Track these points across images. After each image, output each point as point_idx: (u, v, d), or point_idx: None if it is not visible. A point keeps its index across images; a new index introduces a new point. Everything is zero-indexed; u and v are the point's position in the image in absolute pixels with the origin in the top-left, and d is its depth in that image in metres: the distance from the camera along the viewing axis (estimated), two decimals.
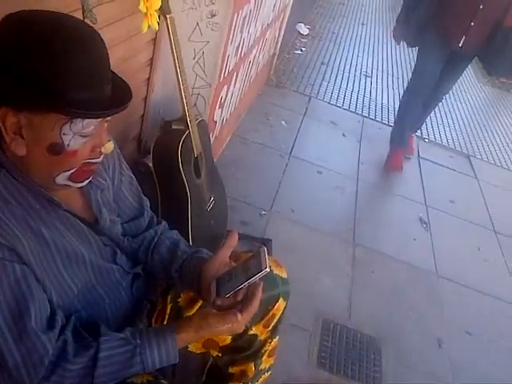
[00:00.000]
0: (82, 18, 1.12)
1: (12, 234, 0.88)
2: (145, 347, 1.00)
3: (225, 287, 1.05)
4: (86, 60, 0.87)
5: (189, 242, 1.94)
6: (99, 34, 0.91)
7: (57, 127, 0.88)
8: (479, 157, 4.63)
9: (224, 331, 1.04)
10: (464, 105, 5.85)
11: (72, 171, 0.95)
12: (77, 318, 1.03)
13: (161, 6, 1.66)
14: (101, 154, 0.98)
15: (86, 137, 0.92)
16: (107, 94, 0.92)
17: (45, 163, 0.92)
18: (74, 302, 1.04)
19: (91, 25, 1.00)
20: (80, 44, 0.86)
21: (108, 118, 0.95)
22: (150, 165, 1.96)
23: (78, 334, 0.99)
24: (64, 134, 0.89)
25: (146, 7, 1.53)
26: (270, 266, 1.03)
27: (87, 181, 1.01)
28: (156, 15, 1.58)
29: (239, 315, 1.02)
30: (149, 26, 1.60)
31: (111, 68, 0.94)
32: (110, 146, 0.99)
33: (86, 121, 0.89)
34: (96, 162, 0.99)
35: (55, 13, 0.90)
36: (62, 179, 0.95)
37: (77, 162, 0.94)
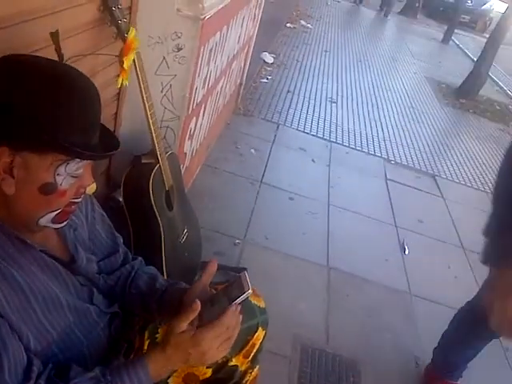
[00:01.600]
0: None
1: None
2: (116, 382, 0.98)
3: (208, 312, 1.04)
4: (87, 107, 0.94)
5: (163, 275, 1.93)
6: (93, 84, 0.97)
7: (52, 168, 0.92)
8: (444, 176, 4.75)
9: (186, 340, 1.00)
10: (427, 126, 6.02)
11: (58, 211, 0.97)
12: (54, 362, 1.01)
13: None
14: (83, 194, 1.02)
15: (75, 177, 0.96)
16: (96, 140, 0.99)
17: (32, 203, 0.94)
18: (52, 346, 1.02)
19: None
20: (82, 93, 0.93)
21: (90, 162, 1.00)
22: (121, 199, 1.95)
23: (51, 383, 0.96)
24: (58, 174, 0.93)
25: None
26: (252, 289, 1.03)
27: (66, 222, 1.03)
28: (128, 70, 1.63)
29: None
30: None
31: None
32: (93, 187, 1.02)
33: (81, 163, 0.95)
34: (77, 202, 1.02)
35: (53, 60, 0.97)
36: (45, 221, 0.97)
37: (64, 203, 0.97)
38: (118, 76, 1.62)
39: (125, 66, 1.57)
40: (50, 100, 0.88)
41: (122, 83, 1.64)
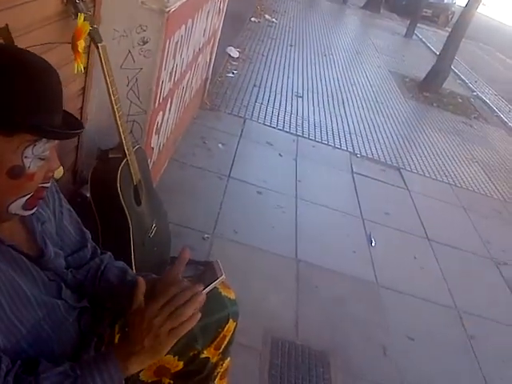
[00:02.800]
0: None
1: None
2: (85, 377, 0.97)
3: None
4: (47, 87, 0.94)
5: (132, 269, 1.91)
6: (52, 66, 0.97)
7: (19, 150, 0.91)
8: (409, 169, 4.85)
9: (138, 318, 1.00)
10: (391, 119, 6.12)
11: (28, 197, 0.96)
12: (23, 358, 0.99)
13: (91, 35, 1.66)
14: (51, 178, 1.01)
15: (43, 160, 0.95)
16: (60, 122, 0.98)
17: (1, 188, 0.93)
18: (21, 342, 1.00)
19: None
20: (43, 74, 0.94)
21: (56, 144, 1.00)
22: (88, 195, 1.93)
23: (19, 380, 0.94)
24: (26, 156, 0.92)
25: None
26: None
27: (35, 208, 1.02)
28: (84, 55, 1.63)
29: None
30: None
31: None
32: (61, 171, 1.05)
33: (47, 144, 0.94)
34: (47, 187, 1.01)
35: (14, 46, 0.99)
36: (16, 207, 0.96)
37: (34, 187, 0.97)
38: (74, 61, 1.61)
39: (79, 49, 1.57)
40: (13, 80, 0.88)
41: (77, 68, 1.62)
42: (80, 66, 1.63)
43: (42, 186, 1.00)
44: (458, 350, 2.74)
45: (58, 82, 0.98)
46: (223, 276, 1.03)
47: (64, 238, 1.20)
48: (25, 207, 0.98)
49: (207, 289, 1.03)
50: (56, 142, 0.98)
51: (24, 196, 0.96)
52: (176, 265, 1.14)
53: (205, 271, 1.08)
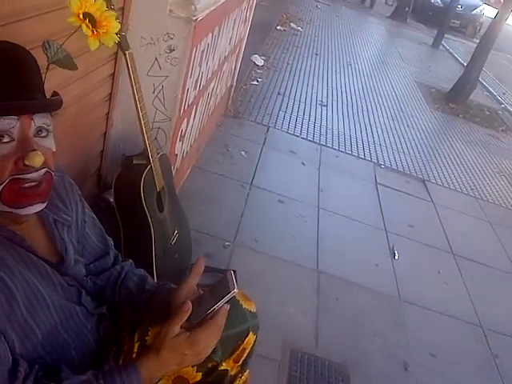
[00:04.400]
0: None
1: None
2: None
3: (194, 313, 1.05)
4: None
5: (153, 276, 1.91)
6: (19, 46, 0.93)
7: None
8: (434, 181, 4.77)
9: (182, 342, 1.01)
10: (416, 130, 6.05)
11: (0, 189, 0.90)
12: (40, 364, 0.99)
13: (119, 42, 1.67)
14: (27, 167, 0.90)
15: (1, 144, 0.87)
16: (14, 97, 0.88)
17: None
18: (38, 347, 1.00)
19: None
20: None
21: (33, 131, 0.92)
22: (111, 200, 1.94)
23: None
24: None
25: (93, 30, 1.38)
26: (236, 291, 1.04)
27: (33, 207, 0.95)
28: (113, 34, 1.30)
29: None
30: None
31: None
32: (35, 158, 0.90)
33: None
34: (28, 179, 0.91)
35: None
36: None
37: (1, 176, 0.89)
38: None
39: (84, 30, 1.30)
40: None
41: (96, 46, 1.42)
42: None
43: (18, 178, 0.90)
44: (481, 369, 2.66)
45: (8, 56, 0.90)
46: (235, 290, 1.03)
47: (86, 246, 1.20)
48: (3, 202, 0.91)
49: (219, 304, 1.04)
50: (17, 122, 0.88)
51: None
52: (190, 277, 1.15)
53: (218, 283, 1.08)
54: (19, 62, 0.91)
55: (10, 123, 0.87)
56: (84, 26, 1.06)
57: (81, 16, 1.06)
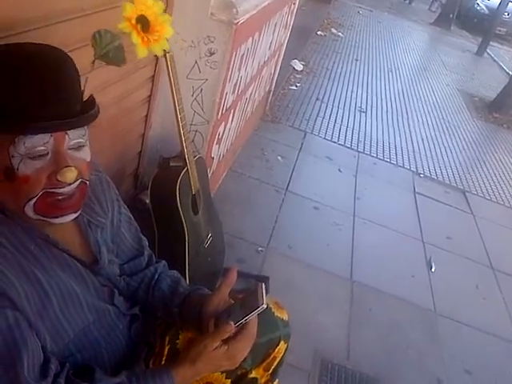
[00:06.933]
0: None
1: (4, 277, 0.85)
2: None
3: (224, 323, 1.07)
4: (24, 77, 0.84)
5: (186, 278, 1.91)
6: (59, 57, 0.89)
7: (4, 149, 0.84)
8: (475, 192, 4.64)
9: (220, 356, 1.04)
10: (458, 139, 5.91)
11: (33, 201, 0.89)
12: (71, 362, 1.00)
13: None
14: (60, 182, 0.89)
15: (35, 160, 0.86)
16: (52, 112, 0.85)
17: (7, 191, 0.89)
18: (69, 346, 1.01)
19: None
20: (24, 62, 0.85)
21: (68, 144, 0.89)
22: (147, 201, 1.95)
23: (71, 383, 0.96)
24: (12, 156, 0.84)
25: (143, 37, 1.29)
26: (266, 303, 1.05)
27: (66, 217, 0.94)
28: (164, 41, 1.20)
29: (232, 324, 1.04)
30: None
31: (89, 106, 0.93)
32: (68, 175, 0.89)
33: (28, 141, 0.84)
34: (62, 193, 0.90)
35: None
36: (29, 211, 0.90)
37: (33, 190, 0.88)
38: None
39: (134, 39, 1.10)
40: None
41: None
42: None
43: (52, 192, 0.89)
44: None
45: (45, 65, 0.86)
46: (264, 306, 1.04)
47: (121, 246, 1.21)
48: (40, 213, 0.90)
49: (247, 318, 1.05)
50: (50, 138, 0.86)
51: (30, 200, 0.88)
52: (222, 286, 1.16)
53: (248, 295, 1.10)
54: (59, 72, 0.87)
55: (44, 138, 0.86)
56: (134, 34, 0.99)
57: (133, 21, 0.99)
